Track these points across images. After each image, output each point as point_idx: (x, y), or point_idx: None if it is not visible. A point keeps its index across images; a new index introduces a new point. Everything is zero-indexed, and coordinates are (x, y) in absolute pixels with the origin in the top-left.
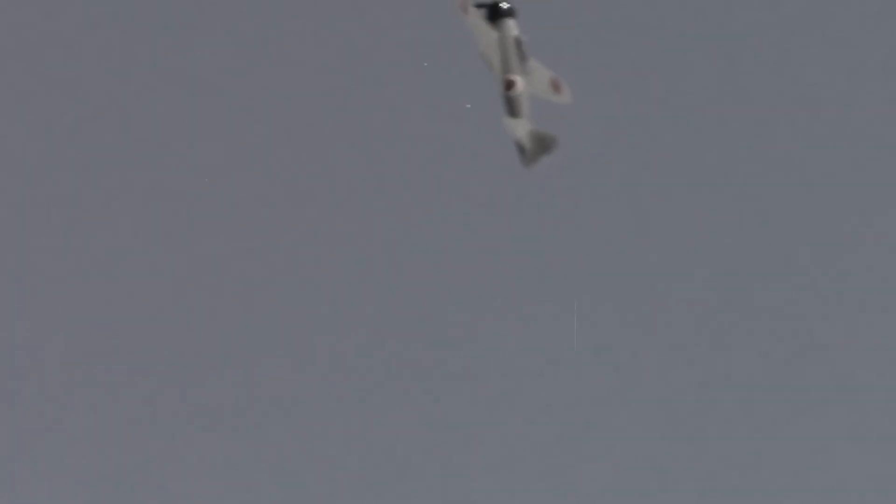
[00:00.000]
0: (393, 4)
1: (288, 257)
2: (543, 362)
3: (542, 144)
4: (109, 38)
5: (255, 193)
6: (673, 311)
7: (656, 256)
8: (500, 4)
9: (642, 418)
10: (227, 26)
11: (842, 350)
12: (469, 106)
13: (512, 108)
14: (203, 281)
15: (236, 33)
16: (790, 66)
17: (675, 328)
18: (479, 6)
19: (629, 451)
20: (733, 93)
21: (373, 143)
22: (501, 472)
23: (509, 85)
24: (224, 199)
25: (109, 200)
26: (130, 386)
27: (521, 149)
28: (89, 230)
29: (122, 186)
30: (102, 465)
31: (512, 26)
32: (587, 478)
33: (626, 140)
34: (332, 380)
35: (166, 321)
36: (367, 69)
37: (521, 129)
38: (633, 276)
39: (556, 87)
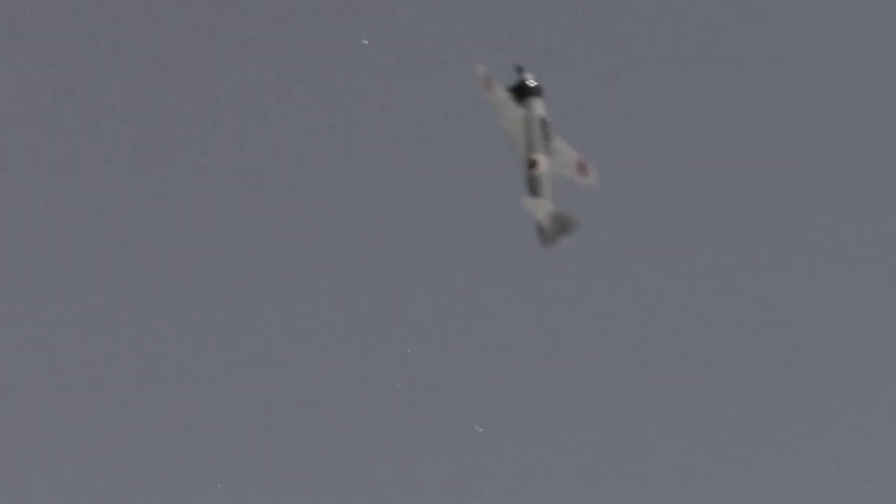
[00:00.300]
0: (414, 79)
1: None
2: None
3: (562, 226)
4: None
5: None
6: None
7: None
8: (528, 83)
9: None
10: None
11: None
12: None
13: (534, 188)
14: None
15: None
16: (822, 132)
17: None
18: (518, 91)
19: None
20: (760, 178)
21: (394, 224)
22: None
23: (532, 164)
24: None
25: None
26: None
27: (540, 229)
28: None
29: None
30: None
31: (538, 105)
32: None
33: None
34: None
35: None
36: (390, 145)
37: (542, 209)
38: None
39: (582, 169)
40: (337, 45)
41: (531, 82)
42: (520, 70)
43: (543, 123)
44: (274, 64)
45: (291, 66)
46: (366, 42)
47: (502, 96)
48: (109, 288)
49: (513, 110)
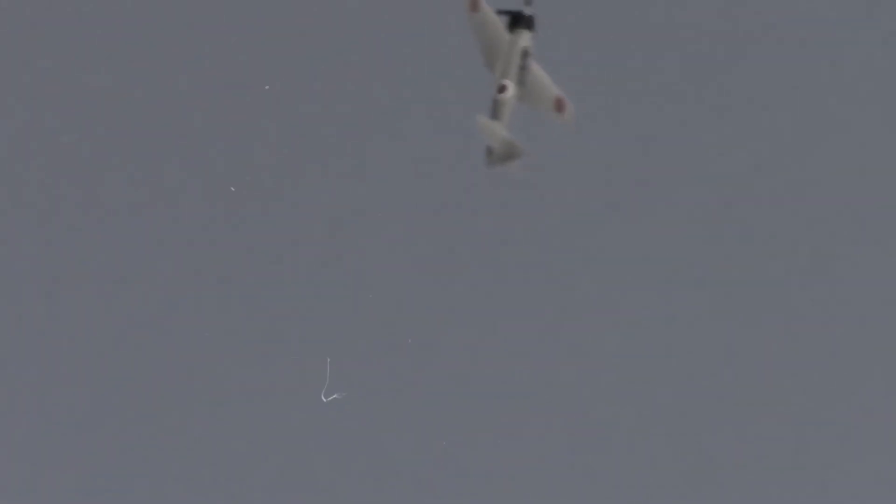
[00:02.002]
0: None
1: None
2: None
3: (509, 152)
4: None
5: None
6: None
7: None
8: (524, 13)
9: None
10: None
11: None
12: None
13: (494, 111)
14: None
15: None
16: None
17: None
18: (502, 11)
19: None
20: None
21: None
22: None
23: (501, 89)
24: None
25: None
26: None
27: (488, 151)
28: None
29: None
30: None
31: (526, 38)
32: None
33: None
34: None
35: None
36: (363, 64)
37: (494, 131)
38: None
39: (559, 106)
40: None
41: (527, 12)
42: (528, 1)
43: (525, 54)
44: None
45: None
46: (267, 87)
47: (492, 17)
48: (109, 286)
49: (499, 32)
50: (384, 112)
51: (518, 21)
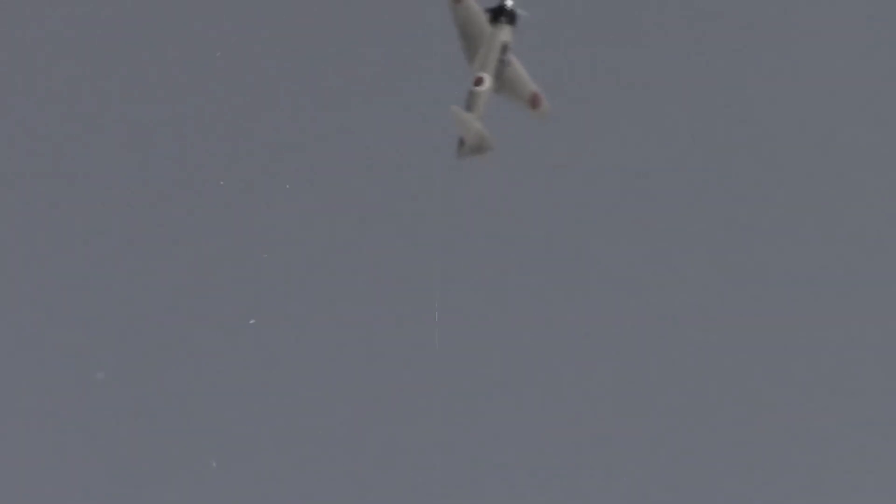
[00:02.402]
0: None
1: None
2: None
3: (480, 144)
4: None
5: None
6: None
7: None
8: (506, 5)
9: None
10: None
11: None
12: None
13: (468, 103)
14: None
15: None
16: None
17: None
18: (494, 10)
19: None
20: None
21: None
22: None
23: (478, 81)
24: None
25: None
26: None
27: (460, 141)
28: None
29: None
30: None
31: (507, 32)
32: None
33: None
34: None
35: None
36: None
37: (466, 122)
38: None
39: (534, 101)
40: None
41: (509, 6)
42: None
43: (504, 49)
44: None
45: None
46: (252, 321)
47: (474, 9)
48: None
49: (481, 25)
50: (361, 100)
51: (499, 14)
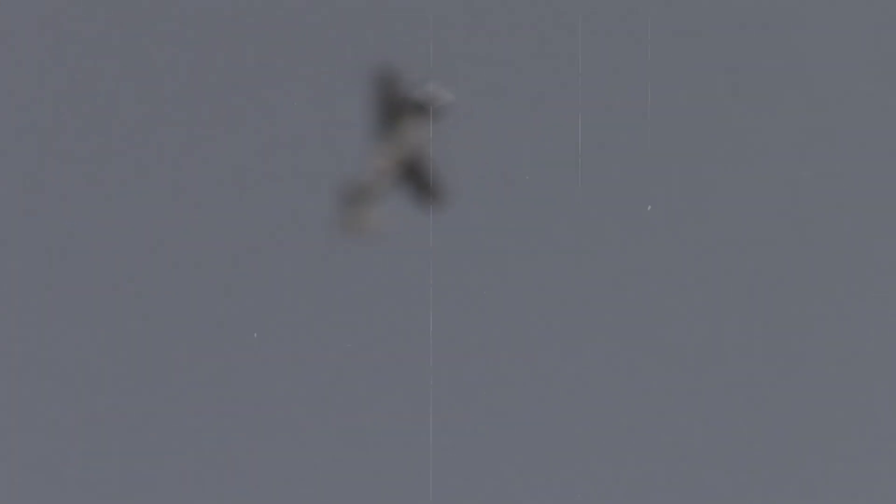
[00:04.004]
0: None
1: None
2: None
3: (359, 225)
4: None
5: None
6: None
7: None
8: (432, 103)
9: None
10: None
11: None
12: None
13: (367, 180)
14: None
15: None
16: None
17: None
18: (417, 101)
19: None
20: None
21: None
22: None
23: (378, 161)
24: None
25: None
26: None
27: (350, 211)
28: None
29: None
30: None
31: (422, 126)
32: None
33: None
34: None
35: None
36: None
37: (362, 203)
38: None
39: (434, 191)
40: None
41: (429, 92)
42: (422, 83)
43: (416, 139)
44: None
45: None
46: (255, 335)
47: (397, 95)
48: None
49: (400, 109)
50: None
51: (421, 106)
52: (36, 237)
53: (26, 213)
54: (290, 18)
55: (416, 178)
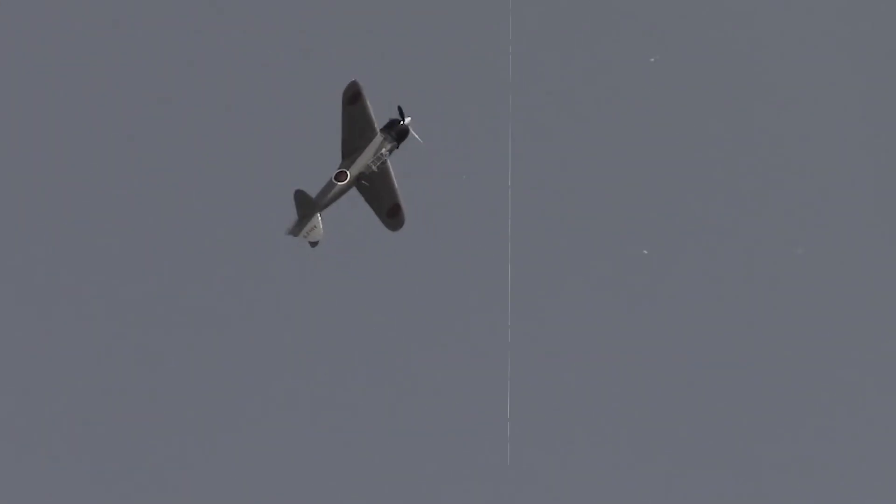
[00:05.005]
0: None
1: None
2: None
3: (306, 230)
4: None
5: None
6: None
7: None
8: (404, 124)
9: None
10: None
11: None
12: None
13: (323, 191)
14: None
15: None
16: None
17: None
18: (391, 121)
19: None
20: None
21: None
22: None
23: (340, 175)
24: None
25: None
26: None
27: (300, 216)
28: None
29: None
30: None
31: (390, 148)
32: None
33: None
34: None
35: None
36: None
37: (312, 210)
38: None
39: (393, 212)
40: None
41: (406, 124)
42: (400, 111)
43: (382, 160)
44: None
45: None
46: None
47: (367, 110)
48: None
49: (369, 127)
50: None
51: (393, 129)
52: None
53: None
54: (268, 24)
55: (377, 195)
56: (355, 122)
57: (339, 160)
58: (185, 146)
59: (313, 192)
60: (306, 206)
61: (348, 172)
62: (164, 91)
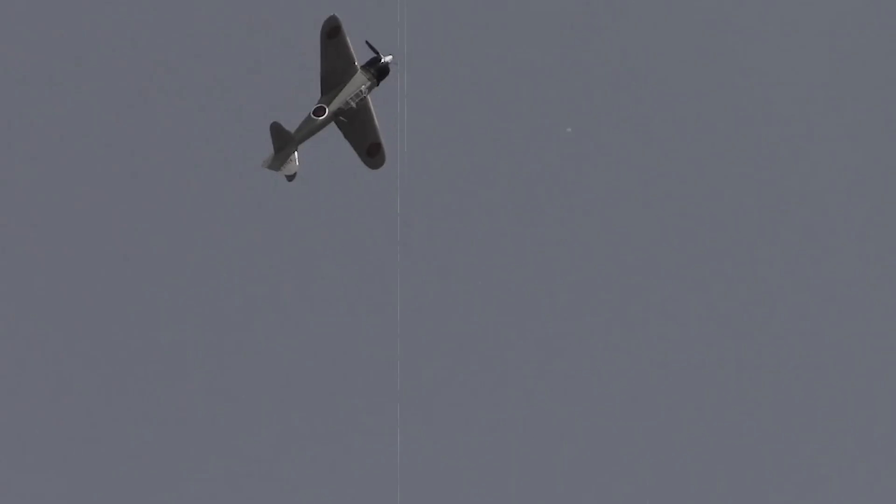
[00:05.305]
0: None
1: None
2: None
3: (281, 164)
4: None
5: None
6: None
7: None
8: (385, 62)
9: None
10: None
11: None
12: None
13: (301, 126)
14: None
15: None
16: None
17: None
18: (371, 59)
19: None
20: None
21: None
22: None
23: (318, 111)
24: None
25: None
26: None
27: (276, 149)
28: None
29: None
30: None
31: (369, 85)
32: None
33: None
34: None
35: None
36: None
37: (289, 144)
38: None
39: (373, 150)
40: None
41: (387, 62)
42: (370, 46)
43: (362, 97)
44: None
45: None
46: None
47: (346, 46)
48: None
49: (348, 63)
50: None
51: (373, 66)
52: None
53: None
54: None
55: (356, 132)
56: (335, 58)
57: (317, 96)
58: (166, 78)
59: (291, 127)
60: (283, 139)
61: (327, 108)
62: (145, 23)
